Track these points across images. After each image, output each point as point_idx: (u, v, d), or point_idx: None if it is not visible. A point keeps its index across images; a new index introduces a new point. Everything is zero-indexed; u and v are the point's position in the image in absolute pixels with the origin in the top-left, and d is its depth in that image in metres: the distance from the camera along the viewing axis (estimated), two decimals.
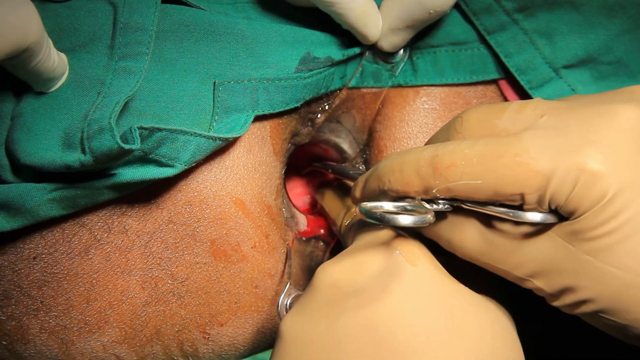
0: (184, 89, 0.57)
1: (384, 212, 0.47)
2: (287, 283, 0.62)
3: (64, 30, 0.56)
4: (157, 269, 0.57)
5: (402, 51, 0.65)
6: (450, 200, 0.48)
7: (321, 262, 0.69)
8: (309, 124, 0.67)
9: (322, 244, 0.70)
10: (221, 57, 0.59)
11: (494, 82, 0.67)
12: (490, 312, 0.48)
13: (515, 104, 0.50)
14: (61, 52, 0.54)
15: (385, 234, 0.52)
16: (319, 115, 0.67)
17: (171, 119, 0.55)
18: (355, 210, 0.63)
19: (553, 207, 0.45)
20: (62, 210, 0.54)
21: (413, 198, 0.49)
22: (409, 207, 0.48)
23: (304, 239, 0.69)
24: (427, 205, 0.48)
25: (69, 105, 0.54)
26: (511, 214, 0.45)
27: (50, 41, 0.52)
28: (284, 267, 0.63)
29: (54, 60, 0.52)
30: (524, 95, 0.66)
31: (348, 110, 0.68)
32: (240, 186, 0.59)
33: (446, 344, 0.45)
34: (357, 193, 0.55)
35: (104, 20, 0.57)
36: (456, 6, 0.64)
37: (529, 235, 0.46)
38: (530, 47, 0.64)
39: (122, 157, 0.50)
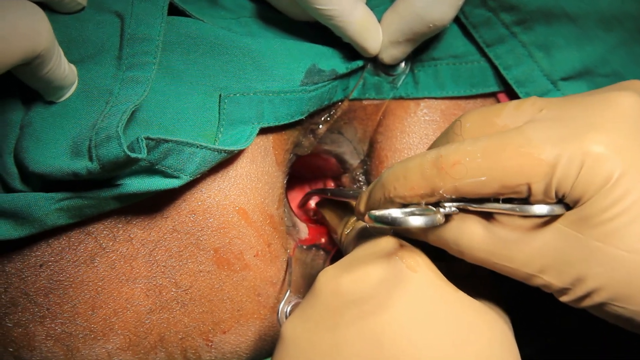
0: (190, 100, 0.58)
1: (394, 216, 0.47)
2: (287, 290, 0.63)
3: (73, 41, 0.57)
4: (161, 277, 0.58)
5: (403, 64, 0.66)
6: (456, 201, 0.48)
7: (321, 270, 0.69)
8: (311, 134, 0.68)
9: (322, 252, 0.71)
10: (228, 69, 0.60)
11: (492, 94, 0.68)
12: (489, 318, 0.49)
13: (513, 102, 0.50)
14: (70, 63, 0.55)
15: (385, 242, 0.53)
16: (320, 126, 0.68)
17: (177, 130, 0.56)
18: (354, 220, 0.63)
19: (560, 196, 0.45)
20: (69, 219, 0.54)
21: (418, 204, 0.49)
22: (417, 211, 0.48)
23: (304, 247, 0.69)
24: (434, 209, 0.48)
25: (77, 114, 0.54)
26: (517, 209, 0.46)
27: (60, 50, 0.53)
28: (285, 274, 0.63)
29: (65, 69, 0.53)
30: None
31: (350, 122, 0.69)
32: (243, 196, 0.60)
33: (446, 352, 0.45)
34: (362, 206, 0.55)
35: (112, 32, 0.58)
36: (456, 19, 0.65)
37: (536, 230, 0.46)
38: (529, 60, 0.65)
39: (128, 166, 0.51)
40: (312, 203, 0.78)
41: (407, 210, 0.48)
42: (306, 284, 0.67)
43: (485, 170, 0.46)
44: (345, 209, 0.67)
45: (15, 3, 0.48)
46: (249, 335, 0.62)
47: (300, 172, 0.76)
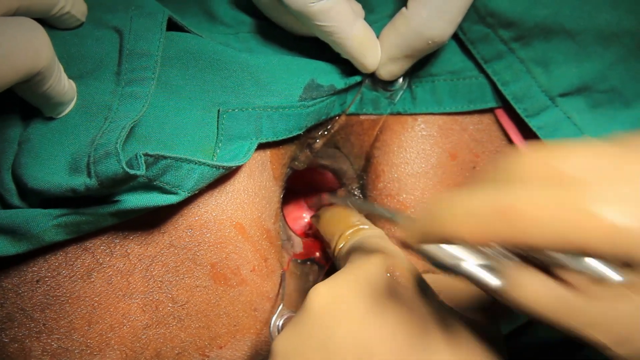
0: (189, 116, 0.58)
1: (465, 268, 0.44)
2: (280, 304, 0.63)
3: (72, 57, 0.57)
4: (158, 292, 0.57)
5: (401, 79, 0.66)
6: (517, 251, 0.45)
7: (315, 284, 0.69)
8: (308, 149, 0.68)
9: (316, 266, 0.71)
10: (226, 85, 0.60)
11: (490, 110, 0.68)
12: (478, 332, 0.49)
13: (581, 148, 0.46)
14: (70, 79, 0.55)
15: (376, 259, 0.53)
16: (317, 141, 0.68)
17: (175, 146, 0.56)
18: (347, 234, 0.63)
19: (634, 264, 0.41)
20: (67, 235, 0.54)
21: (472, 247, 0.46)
22: (489, 264, 0.45)
23: (299, 261, 0.69)
24: (502, 257, 0.45)
25: (76, 130, 0.54)
26: (591, 270, 0.42)
27: (60, 66, 0.53)
28: (279, 288, 0.63)
29: (64, 85, 0.53)
30: (519, 122, 0.67)
31: (346, 136, 0.69)
32: (240, 210, 0.60)
33: None
34: (412, 239, 0.53)
35: (111, 48, 0.58)
36: (454, 36, 0.65)
37: (603, 295, 0.44)
38: (527, 76, 0.65)
39: (127, 182, 0.51)
40: (307, 217, 0.78)
41: (482, 263, 0.45)
42: (300, 298, 0.66)
43: (554, 227, 0.42)
44: (340, 223, 0.67)
45: (16, 20, 0.48)
46: (246, 350, 0.62)
47: (295, 186, 0.75)
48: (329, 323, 0.49)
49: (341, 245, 0.62)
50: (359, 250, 0.57)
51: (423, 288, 0.50)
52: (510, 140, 0.68)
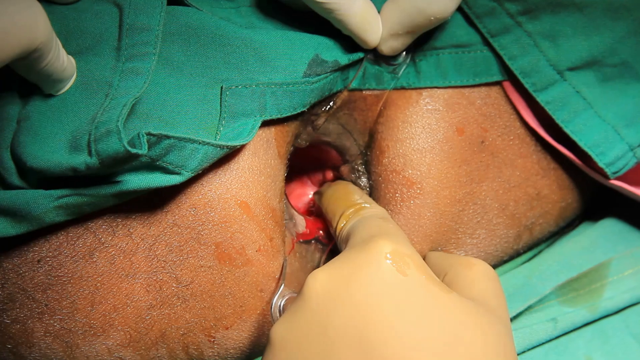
0: (191, 93, 0.57)
1: None
2: (281, 284, 0.62)
3: (71, 33, 0.56)
4: (162, 272, 0.57)
5: (404, 54, 0.65)
6: None
7: (318, 264, 0.69)
8: (310, 125, 0.67)
9: (320, 245, 0.70)
10: (229, 61, 0.59)
11: (498, 82, 0.67)
12: (483, 319, 0.48)
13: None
14: (69, 55, 0.54)
15: (376, 243, 0.51)
16: (320, 117, 0.67)
17: (177, 123, 0.55)
18: (349, 213, 0.62)
19: None
20: (67, 217, 0.53)
21: None
22: None
23: (301, 241, 0.69)
24: None
25: (76, 108, 0.53)
26: None
27: (59, 42, 0.52)
28: (281, 268, 0.62)
29: (63, 61, 0.52)
30: (527, 96, 0.66)
31: (350, 112, 0.68)
32: (245, 189, 0.59)
33: (438, 351, 0.45)
34: None
35: (110, 22, 0.57)
36: (459, 9, 0.64)
37: None
38: (534, 50, 0.64)
39: (128, 161, 0.50)
40: (310, 194, 0.77)
41: None
42: (305, 278, 0.66)
43: None
44: (341, 201, 0.66)
45: None
46: (252, 331, 0.61)
47: (297, 163, 0.74)
48: (327, 310, 0.48)
49: (342, 225, 0.62)
50: (359, 232, 0.56)
51: (424, 272, 0.49)
52: (519, 115, 0.67)
